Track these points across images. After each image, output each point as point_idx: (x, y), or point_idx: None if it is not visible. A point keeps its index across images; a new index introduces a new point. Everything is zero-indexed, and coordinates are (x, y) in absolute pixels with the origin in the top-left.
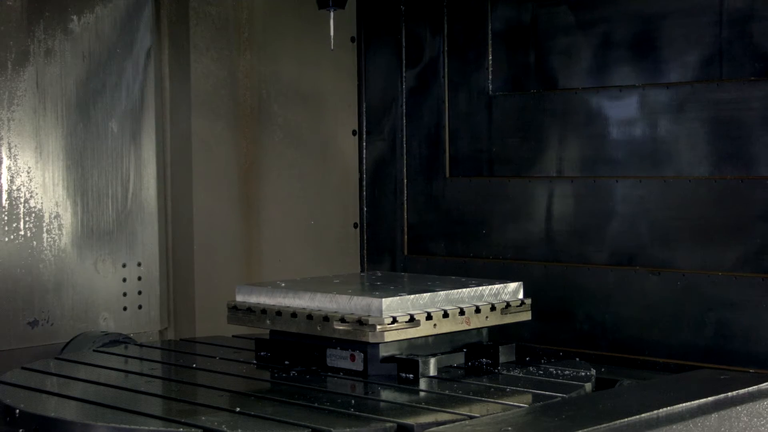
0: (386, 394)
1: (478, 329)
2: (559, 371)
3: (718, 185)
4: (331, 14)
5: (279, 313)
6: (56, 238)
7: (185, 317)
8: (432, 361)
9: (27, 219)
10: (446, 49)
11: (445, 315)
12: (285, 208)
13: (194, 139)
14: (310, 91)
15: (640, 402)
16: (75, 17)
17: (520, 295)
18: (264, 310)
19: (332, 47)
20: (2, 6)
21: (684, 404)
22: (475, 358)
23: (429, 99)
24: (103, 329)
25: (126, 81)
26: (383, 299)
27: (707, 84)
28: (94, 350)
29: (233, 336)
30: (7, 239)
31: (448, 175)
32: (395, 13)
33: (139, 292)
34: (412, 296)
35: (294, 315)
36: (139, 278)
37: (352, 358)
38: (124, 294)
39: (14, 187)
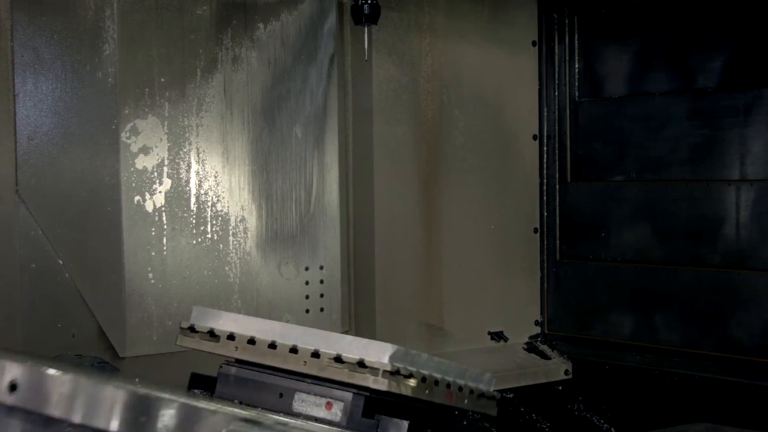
0: None
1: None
2: None
3: None
4: (365, 29)
5: (252, 341)
6: (242, 241)
7: (366, 320)
8: (423, 426)
9: (214, 222)
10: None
11: (437, 383)
12: (465, 213)
13: (376, 144)
14: (491, 95)
15: None
16: (261, 25)
17: (492, 387)
18: (231, 336)
19: (366, 58)
20: (192, 15)
21: None
22: None
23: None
24: None
25: (310, 87)
26: (392, 346)
27: None
28: None
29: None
30: (194, 242)
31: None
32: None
33: (321, 295)
34: (414, 352)
35: (273, 346)
36: (321, 281)
37: (329, 406)
38: (307, 297)
39: (202, 192)
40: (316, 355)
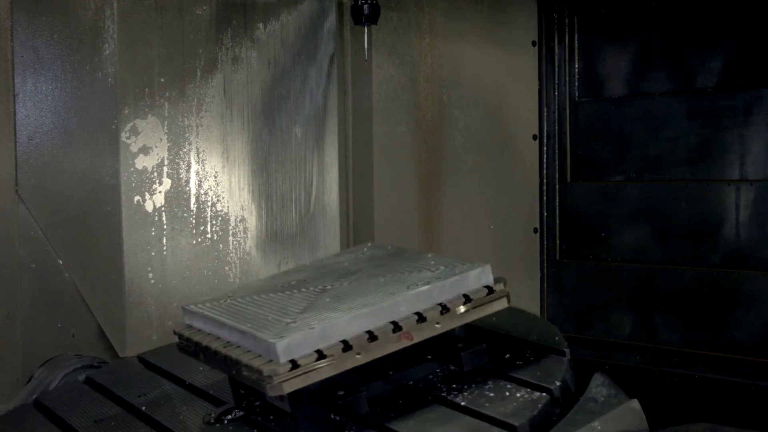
0: None
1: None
2: (516, 391)
3: None
4: (365, 29)
5: (207, 348)
6: (241, 241)
7: None
8: (361, 398)
9: (214, 222)
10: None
11: (373, 338)
12: (465, 213)
13: (376, 144)
14: (491, 96)
15: None
16: (261, 25)
17: (487, 281)
18: (198, 343)
19: (366, 58)
20: (192, 15)
21: None
22: (445, 362)
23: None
24: None
25: (310, 87)
26: (279, 342)
27: None
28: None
29: None
30: (194, 242)
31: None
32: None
33: None
34: (321, 327)
35: (215, 354)
36: None
37: (281, 397)
38: None
39: (202, 191)
40: (237, 363)
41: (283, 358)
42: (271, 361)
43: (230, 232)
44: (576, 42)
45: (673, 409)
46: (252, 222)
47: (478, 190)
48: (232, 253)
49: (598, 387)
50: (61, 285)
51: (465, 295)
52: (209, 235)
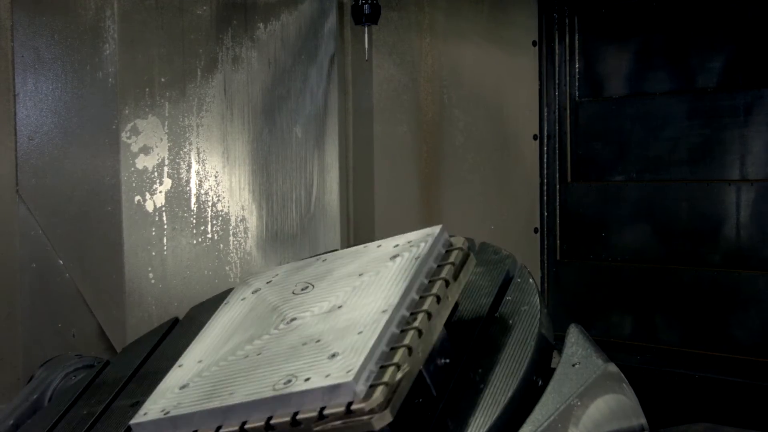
0: None
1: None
2: None
3: None
4: (365, 29)
5: None
6: (242, 241)
7: None
8: None
9: (214, 222)
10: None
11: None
12: (465, 213)
13: (376, 144)
14: (491, 95)
15: None
16: (261, 25)
17: (348, 397)
18: None
19: (366, 58)
20: (192, 15)
21: None
22: None
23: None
24: None
25: (310, 87)
26: (132, 422)
27: None
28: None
29: None
30: (195, 242)
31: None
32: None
33: None
34: (172, 417)
35: None
36: None
37: None
38: None
39: (202, 191)
40: None
41: None
42: None
43: (231, 232)
44: (576, 42)
45: (674, 409)
46: (252, 222)
47: (478, 189)
48: (232, 253)
49: (572, 346)
50: (61, 285)
51: (321, 410)
52: (210, 235)
